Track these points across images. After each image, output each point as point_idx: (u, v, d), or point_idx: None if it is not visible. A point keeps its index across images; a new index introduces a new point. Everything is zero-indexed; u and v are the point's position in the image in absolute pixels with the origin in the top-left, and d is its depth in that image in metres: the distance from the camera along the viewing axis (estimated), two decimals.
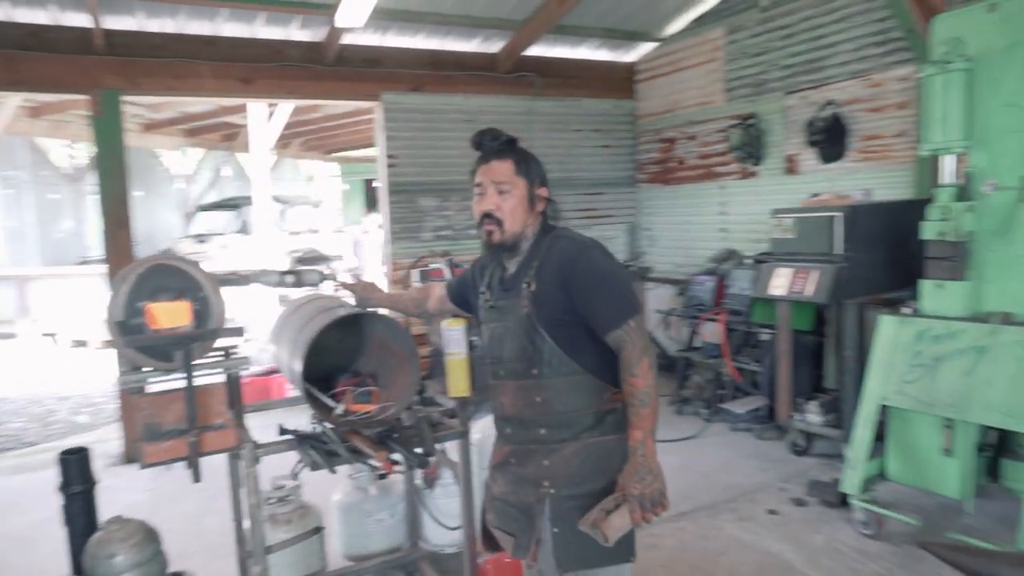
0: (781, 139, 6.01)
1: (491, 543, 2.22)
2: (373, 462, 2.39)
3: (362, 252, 11.37)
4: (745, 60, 6.31)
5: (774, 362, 4.91)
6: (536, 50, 6.87)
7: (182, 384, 2.41)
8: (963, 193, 3.51)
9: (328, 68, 6.07)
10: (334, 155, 17.99)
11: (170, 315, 2.40)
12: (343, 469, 2.75)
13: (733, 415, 5.36)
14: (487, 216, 2.02)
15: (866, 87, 5.31)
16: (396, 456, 2.43)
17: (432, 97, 6.55)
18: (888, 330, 3.73)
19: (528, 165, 2.06)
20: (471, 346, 2.99)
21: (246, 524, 3.13)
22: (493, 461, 2.18)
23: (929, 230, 3.60)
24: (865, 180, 5.23)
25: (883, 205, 4.67)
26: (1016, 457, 3.53)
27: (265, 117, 9.26)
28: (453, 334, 2.92)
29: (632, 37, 7.13)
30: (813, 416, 4.63)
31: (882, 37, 5.17)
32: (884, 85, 5.19)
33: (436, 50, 6.60)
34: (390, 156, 6.42)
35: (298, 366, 2.57)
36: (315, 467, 2.40)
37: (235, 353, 2.65)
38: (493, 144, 2.05)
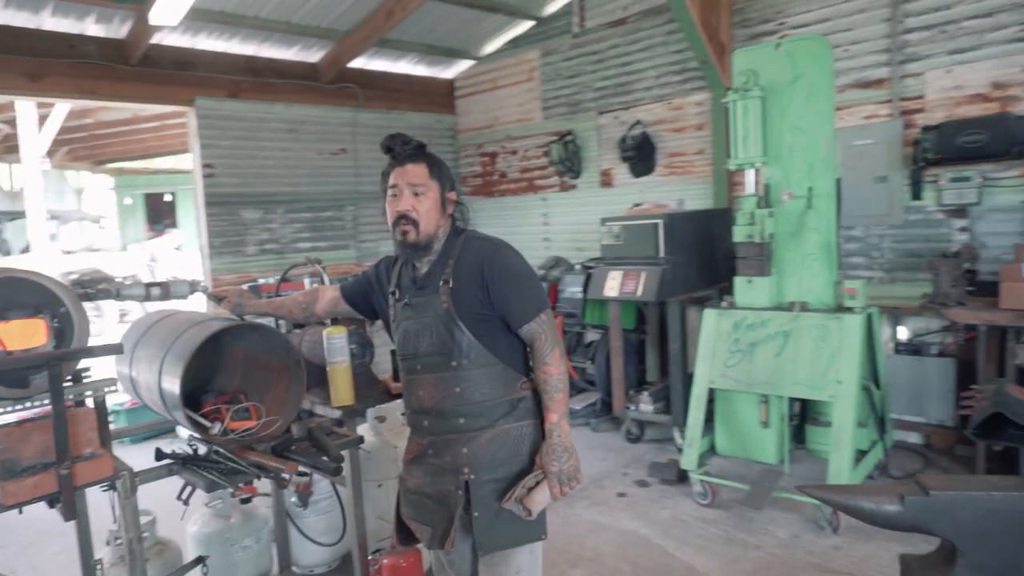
0: (596, 155, 6.55)
1: (404, 537, 2.25)
2: (242, 480, 2.27)
3: (159, 271, 10.33)
4: (560, 81, 6.79)
5: (608, 359, 5.33)
6: (358, 62, 6.82)
7: (36, 412, 2.13)
8: (762, 202, 4.12)
9: (134, 68, 5.55)
10: (107, 166, 16.18)
11: (24, 335, 2.11)
12: (198, 497, 2.56)
13: (570, 411, 5.69)
14: (402, 217, 2.05)
15: (669, 110, 5.99)
16: (304, 468, 2.33)
17: (251, 104, 6.24)
18: (711, 322, 4.25)
19: (440, 170, 2.13)
20: (352, 355, 2.96)
21: (108, 564, 2.81)
22: (408, 455, 2.22)
23: (738, 233, 4.17)
24: (671, 192, 5.89)
25: (693, 213, 5.30)
26: (816, 423, 4.19)
27: (36, 121, 8.14)
28: (336, 342, 2.88)
29: (451, 54, 7.34)
30: (645, 406, 5.10)
31: (680, 67, 5.87)
32: (684, 108, 5.89)
33: (253, 56, 6.30)
34: (207, 165, 5.99)
35: (173, 385, 2.38)
36: (212, 488, 2.23)
37: (88, 376, 2.39)
38: (405, 148, 2.10)
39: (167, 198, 15.68)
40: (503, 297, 2.03)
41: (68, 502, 2.06)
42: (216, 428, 2.50)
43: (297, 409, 2.66)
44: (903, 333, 4.85)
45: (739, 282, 4.21)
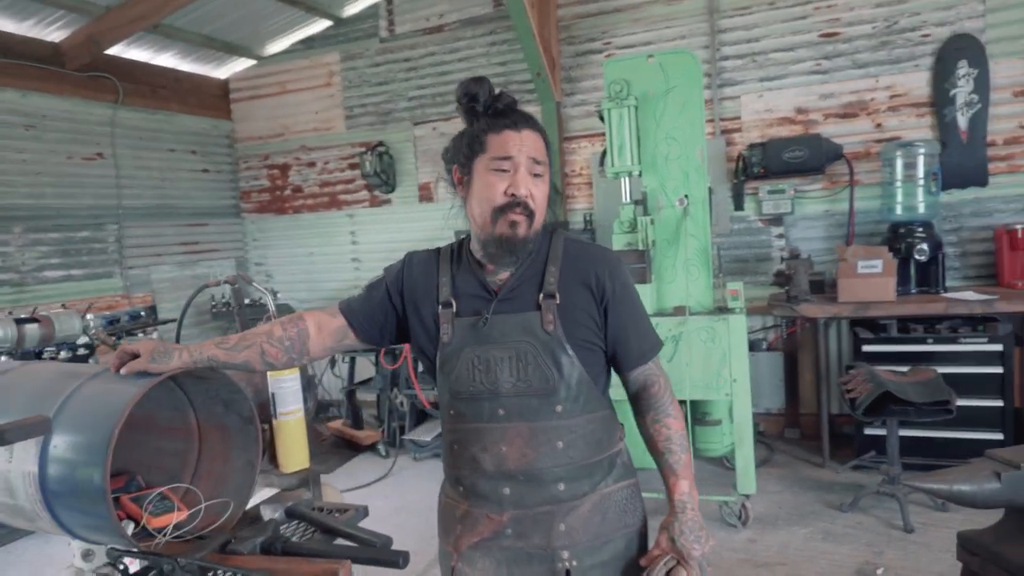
0: (414, 168, 6.15)
1: None
2: None
3: None
4: (367, 88, 6.27)
5: None
6: (115, 48, 5.55)
7: None
8: (639, 209, 4.16)
9: None
10: None
11: None
12: None
13: (417, 444, 5.20)
14: (518, 203, 1.48)
15: None
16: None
17: None
18: None
19: (551, 146, 1.61)
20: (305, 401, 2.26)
21: None
22: (472, 537, 1.62)
23: (618, 241, 4.16)
24: None
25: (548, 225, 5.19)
26: (704, 423, 4.31)
27: None
28: (287, 386, 2.19)
29: (228, 50, 6.36)
30: None
31: (505, 79, 5.77)
32: None
33: None
34: None
35: (89, 473, 1.56)
36: None
37: None
38: (498, 103, 1.51)
39: None
40: (622, 326, 1.57)
41: None
42: (129, 528, 1.69)
43: (253, 486, 1.92)
44: None
45: None
